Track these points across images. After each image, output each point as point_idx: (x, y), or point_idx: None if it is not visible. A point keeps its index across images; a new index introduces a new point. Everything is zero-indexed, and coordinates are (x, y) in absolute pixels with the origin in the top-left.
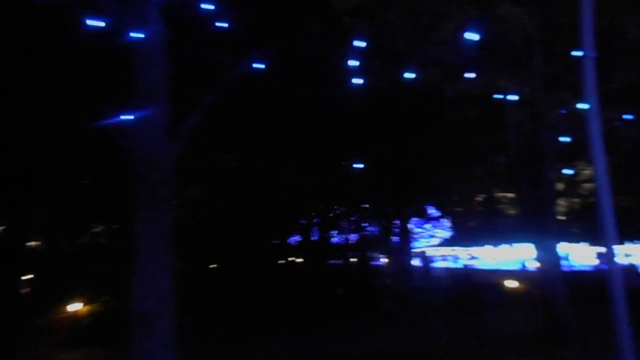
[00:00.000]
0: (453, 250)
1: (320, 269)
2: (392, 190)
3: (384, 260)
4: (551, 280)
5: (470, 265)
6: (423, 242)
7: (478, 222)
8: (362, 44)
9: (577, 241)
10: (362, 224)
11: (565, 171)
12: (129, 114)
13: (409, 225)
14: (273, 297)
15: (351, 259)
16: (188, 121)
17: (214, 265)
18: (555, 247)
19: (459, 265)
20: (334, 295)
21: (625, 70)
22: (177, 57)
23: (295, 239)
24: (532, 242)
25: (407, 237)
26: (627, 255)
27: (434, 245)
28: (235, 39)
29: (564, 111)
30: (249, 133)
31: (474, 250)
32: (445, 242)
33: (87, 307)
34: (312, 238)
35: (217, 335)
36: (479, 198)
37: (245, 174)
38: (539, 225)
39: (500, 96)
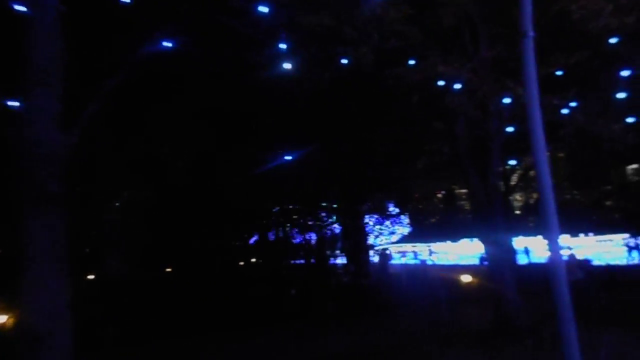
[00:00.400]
0: (414, 246)
1: (277, 269)
2: (347, 187)
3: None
4: (501, 275)
5: (428, 260)
6: (384, 239)
7: (438, 218)
8: (265, 10)
9: (535, 234)
10: (323, 222)
11: (511, 162)
12: (16, 99)
13: (369, 222)
14: (221, 301)
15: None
16: (88, 108)
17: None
18: (504, 241)
19: (418, 261)
20: (286, 296)
21: (566, 51)
22: (76, 35)
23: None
24: (481, 237)
25: (363, 234)
26: (568, 248)
27: (394, 242)
28: (141, 15)
29: (508, 99)
30: (194, 127)
31: (435, 246)
32: (406, 239)
33: (14, 319)
34: (271, 238)
35: (147, 346)
36: (440, 195)
37: (195, 173)
38: (488, 219)
39: (443, 83)
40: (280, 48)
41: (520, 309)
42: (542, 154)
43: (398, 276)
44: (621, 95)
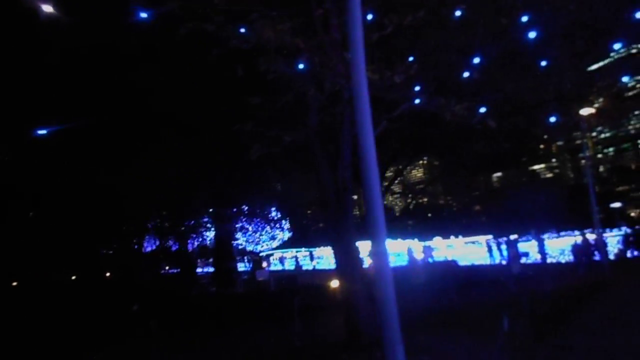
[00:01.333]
0: (297, 251)
1: (129, 282)
2: (213, 189)
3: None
4: (351, 282)
5: (306, 265)
6: (264, 244)
7: (321, 223)
8: None
9: (413, 237)
10: (188, 228)
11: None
12: None
13: (248, 228)
14: (51, 323)
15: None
16: None
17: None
18: (355, 245)
19: (294, 266)
20: (126, 313)
21: (400, 12)
22: None
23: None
24: (331, 240)
25: (231, 240)
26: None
27: (275, 247)
28: None
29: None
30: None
31: (318, 251)
32: (288, 244)
33: None
34: (148, 247)
35: None
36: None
37: (29, 172)
38: (337, 220)
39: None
40: None
41: (374, 318)
42: (370, 142)
43: (267, 284)
44: (466, 74)
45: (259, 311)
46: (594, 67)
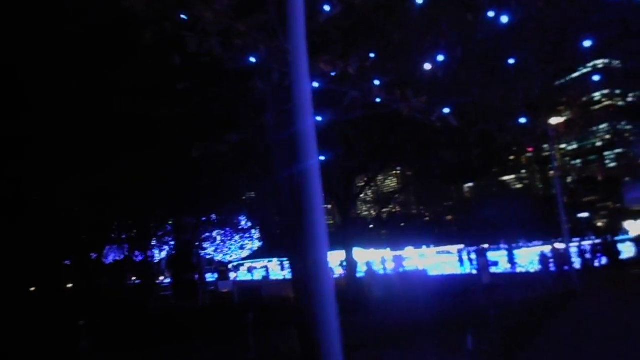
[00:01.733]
0: (269, 262)
1: (87, 293)
2: (166, 198)
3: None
4: (307, 295)
5: (278, 276)
6: (233, 254)
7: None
8: None
9: (385, 247)
10: (167, 238)
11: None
12: None
13: (217, 237)
14: None
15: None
16: None
17: None
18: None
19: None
20: (71, 329)
21: None
22: None
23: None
24: (288, 249)
25: (191, 250)
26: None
27: (245, 257)
28: None
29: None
30: None
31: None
32: (259, 254)
33: None
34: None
35: None
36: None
37: None
38: (294, 229)
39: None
40: None
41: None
42: (310, 127)
43: (231, 295)
44: (428, 67)
45: (215, 325)
46: (562, 80)
